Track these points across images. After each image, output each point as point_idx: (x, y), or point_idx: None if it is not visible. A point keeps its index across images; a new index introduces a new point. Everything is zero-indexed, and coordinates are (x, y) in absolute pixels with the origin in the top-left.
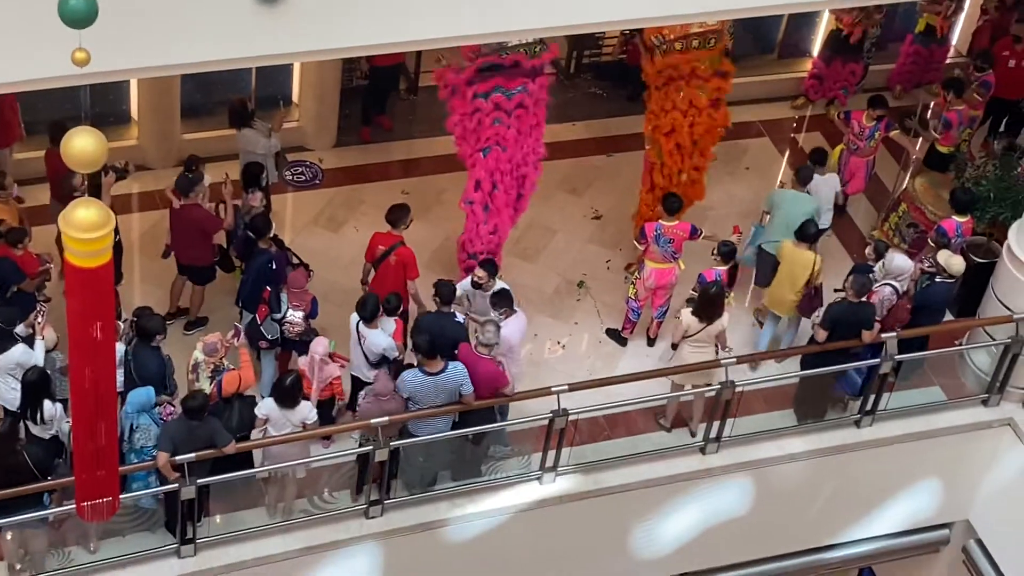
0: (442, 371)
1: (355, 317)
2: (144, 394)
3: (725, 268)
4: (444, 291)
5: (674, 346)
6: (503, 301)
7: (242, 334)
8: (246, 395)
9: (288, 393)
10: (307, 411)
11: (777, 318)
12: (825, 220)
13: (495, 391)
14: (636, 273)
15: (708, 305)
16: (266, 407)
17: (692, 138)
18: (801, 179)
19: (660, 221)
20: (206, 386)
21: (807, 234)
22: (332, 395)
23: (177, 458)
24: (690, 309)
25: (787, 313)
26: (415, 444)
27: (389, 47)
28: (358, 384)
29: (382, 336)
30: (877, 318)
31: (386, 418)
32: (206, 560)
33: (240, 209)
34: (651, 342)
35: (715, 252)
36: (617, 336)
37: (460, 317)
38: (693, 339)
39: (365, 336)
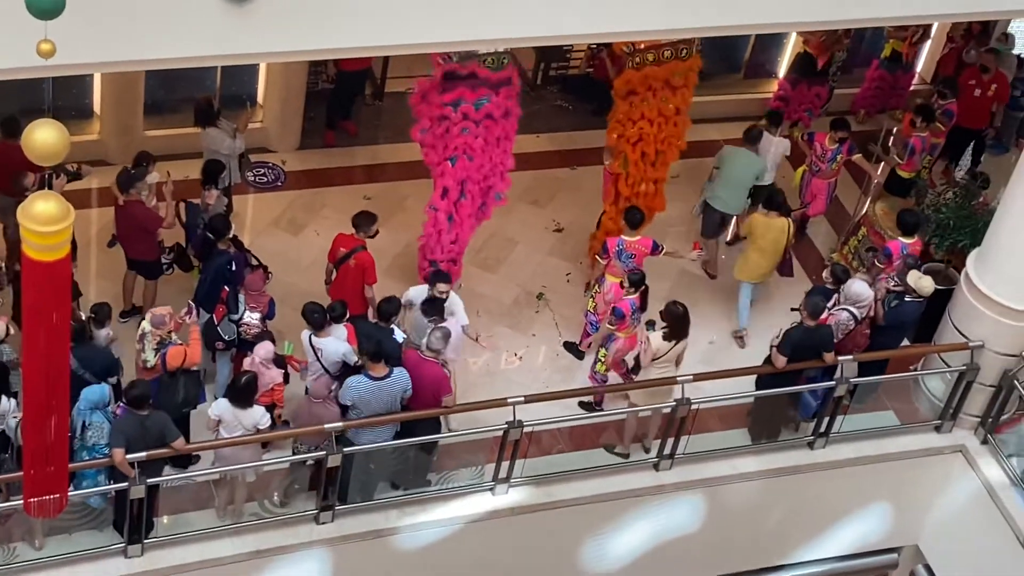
0: (387, 376)
1: (306, 335)
2: (98, 391)
3: (636, 295)
4: (385, 309)
5: (635, 370)
6: (433, 309)
7: (195, 312)
8: (192, 370)
9: (242, 392)
10: (259, 415)
11: (749, 287)
12: (768, 178)
13: (437, 396)
14: (596, 287)
15: (679, 325)
16: (219, 408)
17: (656, 147)
18: (750, 138)
19: (622, 236)
20: (151, 357)
21: (776, 202)
22: (272, 402)
23: (129, 456)
24: (659, 334)
25: (761, 280)
26: (361, 452)
27: (359, 51)
28: None
29: (337, 342)
30: (834, 340)
31: (340, 423)
32: (153, 560)
33: (199, 207)
34: None
35: (623, 283)
36: (574, 349)
37: (398, 334)
38: (659, 361)
39: (321, 348)
